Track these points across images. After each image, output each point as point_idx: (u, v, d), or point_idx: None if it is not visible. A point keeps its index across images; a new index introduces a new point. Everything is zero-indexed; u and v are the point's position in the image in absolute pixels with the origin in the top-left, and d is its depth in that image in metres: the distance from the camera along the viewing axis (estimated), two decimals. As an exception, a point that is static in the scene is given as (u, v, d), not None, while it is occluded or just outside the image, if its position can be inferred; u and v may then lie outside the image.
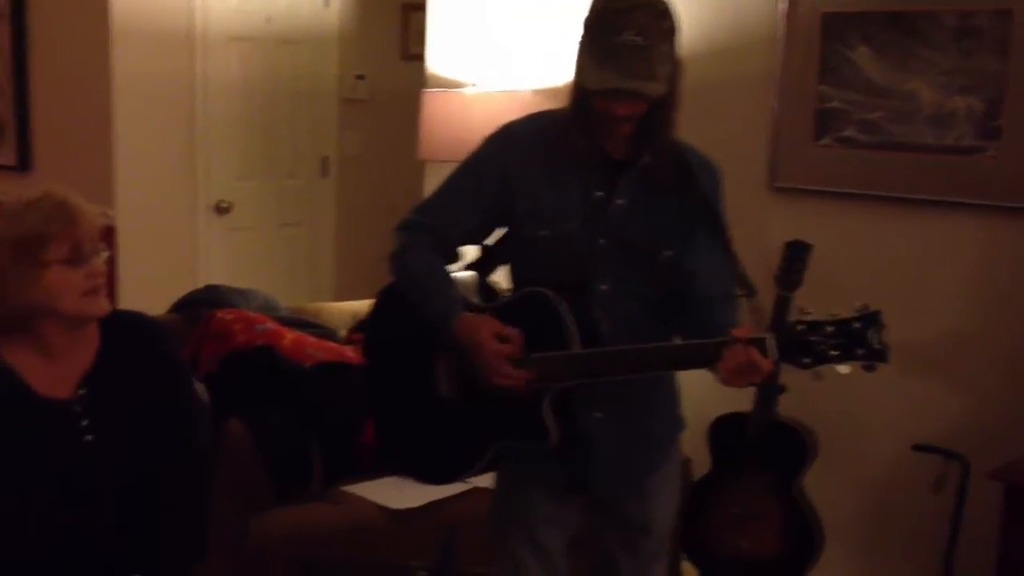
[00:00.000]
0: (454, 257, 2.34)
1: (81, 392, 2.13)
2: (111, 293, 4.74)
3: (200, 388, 2.56)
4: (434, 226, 2.28)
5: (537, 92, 4.00)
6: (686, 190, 2.16)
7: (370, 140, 5.64)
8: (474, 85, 4.14)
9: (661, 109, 2.10)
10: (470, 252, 2.42)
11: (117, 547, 2.17)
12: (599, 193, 2.17)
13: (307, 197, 5.53)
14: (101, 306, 2.11)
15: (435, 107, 4.02)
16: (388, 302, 2.41)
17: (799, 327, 1.95)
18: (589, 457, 2.26)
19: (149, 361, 2.23)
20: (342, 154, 5.56)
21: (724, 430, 3.32)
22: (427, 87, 4.44)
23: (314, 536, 2.93)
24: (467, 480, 3.06)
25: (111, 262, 4.71)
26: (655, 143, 2.14)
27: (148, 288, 4.44)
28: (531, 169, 2.19)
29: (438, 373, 2.30)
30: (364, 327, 2.57)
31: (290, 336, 3.36)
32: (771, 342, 1.96)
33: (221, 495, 2.91)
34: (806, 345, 1.94)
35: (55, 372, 2.12)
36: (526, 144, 2.22)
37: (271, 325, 3.38)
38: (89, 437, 2.12)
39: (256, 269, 5.20)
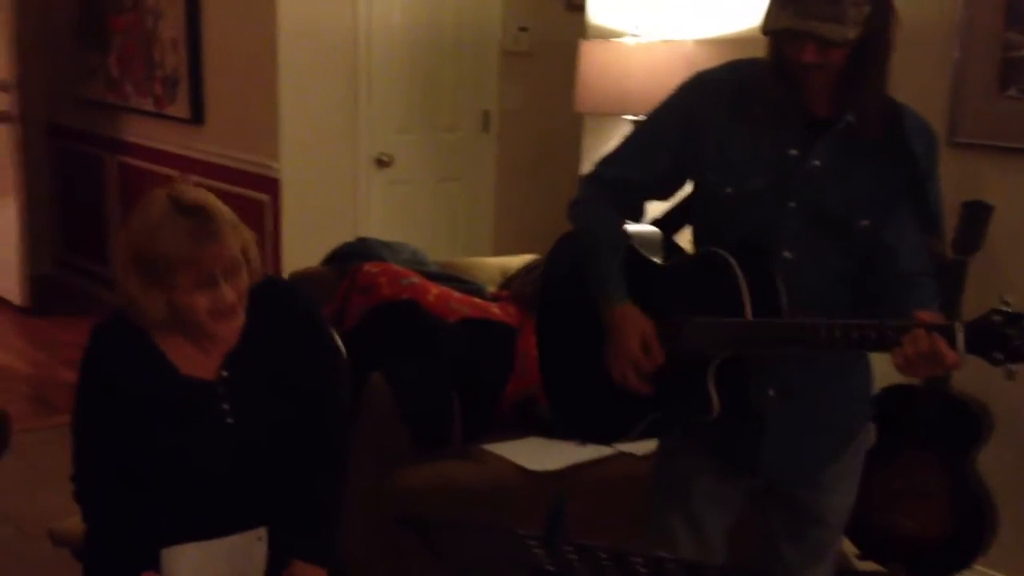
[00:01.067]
0: (637, 213, 2.21)
1: (224, 374, 2.14)
2: (276, 246, 4.86)
3: (338, 344, 2.54)
4: (615, 178, 2.15)
5: (699, 42, 3.84)
6: (894, 155, 1.96)
7: (531, 94, 5.54)
8: (634, 35, 4.00)
9: (863, 59, 1.90)
10: (656, 208, 2.29)
11: (254, 507, 2.19)
12: (793, 151, 1.99)
13: (467, 151, 5.48)
14: (230, 327, 2.08)
15: (593, 58, 3.90)
16: (563, 253, 2.30)
17: (995, 317, 1.73)
18: (758, 437, 2.10)
19: (290, 326, 2.22)
20: (503, 108, 5.48)
21: (890, 401, 3.11)
22: (587, 38, 4.33)
23: (451, 494, 2.89)
24: (615, 446, 2.98)
25: (274, 214, 4.83)
26: (859, 99, 1.93)
27: (309, 240, 4.49)
28: (722, 119, 2.03)
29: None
30: (542, 273, 2.47)
31: (435, 291, 3.32)
32: (960, 333, 1.74)
33: (360, 449, 2.89)
34: (1001, 339, 1.72)
35: (200, 354, 2.14)
36: (719, 92, 2.06)
37: (417, 279, 3.34)
38: (230, 420, 2.14)
39: (415, 223, 5.20)
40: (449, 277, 3.53)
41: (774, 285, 1.97)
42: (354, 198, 5.11)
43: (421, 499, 2.87)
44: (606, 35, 4.20)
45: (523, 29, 5.52)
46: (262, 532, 2.20)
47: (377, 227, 5.03)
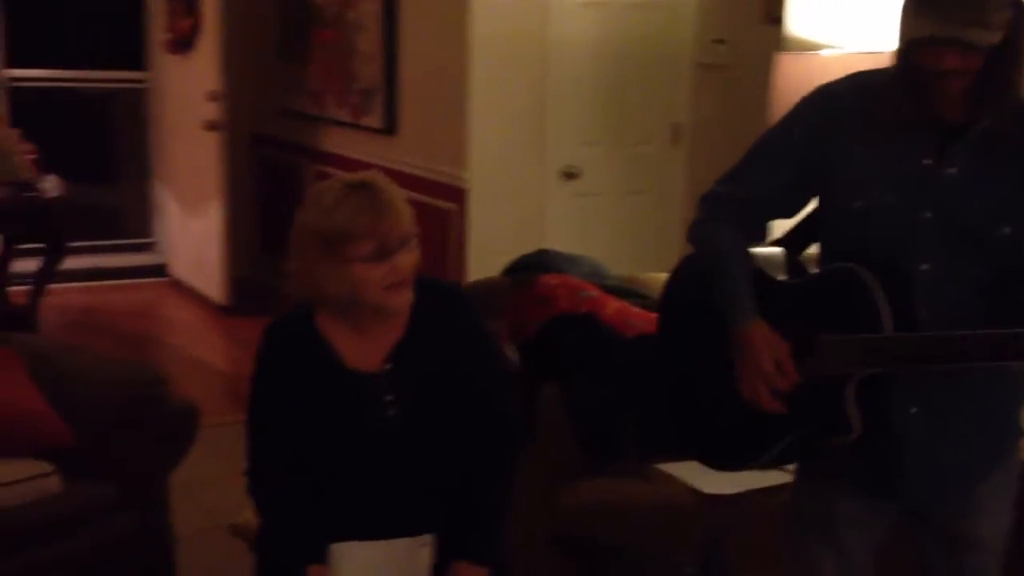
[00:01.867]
0: (760, 233, 2.17)
1: (387, 367, 2.19)
2: (460, 255, 4.92)
3: (510, 352, 2.54)
4: (736, 196, 2.11)
5: (900, 54, 3.67)
6: None
7: (725, 107, 5.43)
8: (833, 48, 3.87)
9: (1001, 62, 1.82)
10: (780, 227, 2.24)
11: (419, 511, 2.22)
12: (926, 161, 1.92)
13: (656, 164, 5.41)
14: (402, 300, 2.15)
15: (789, 71, 3.79)
16: (687, 274, 2.29)
17: None
18: (900, 459, 2.00)
19: (456, 329, 2.25)
20: (694, 121, 5.39)
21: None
22: (785, 51, 4.22)
23: (619, 512, 2.84)
24: (784, 469, 2.87)
25: (461, 224, 4.89)
26: (995, 103, 1.85)
27: (495, 250, 4.50)
28: (848, 132, 1.98)
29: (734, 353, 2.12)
30: (660, 298, 2.43)
31: (614, 305, 3.27)
32: None
33: (531, 461, 2.88)
34: None
35: (365, 347, 2.19)
36: (843, 105, 2.00)
37: (595, 293, 3.30)
38: (392, 412, 2.17)
39: (601, 236, 5.16)
40: (629, 292, 3.48)
41: (911, 299, 1.90)
42: (540, 210, 5.12)
43: (589, 515, 2.83)
44: (805, 48, 4.08)
45: (719, 41, 5.42)
46: (428, 539, 2.22)
47: (562, 239, 5.00)
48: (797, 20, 4.18)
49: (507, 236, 4.86)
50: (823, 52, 3.83)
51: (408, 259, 2.13)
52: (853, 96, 2.00)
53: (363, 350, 2.19)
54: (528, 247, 4.08)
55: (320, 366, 2.18)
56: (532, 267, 3.57)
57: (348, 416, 2.17)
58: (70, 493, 2.78)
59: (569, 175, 5.14)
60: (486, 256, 4.78)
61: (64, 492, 2.76)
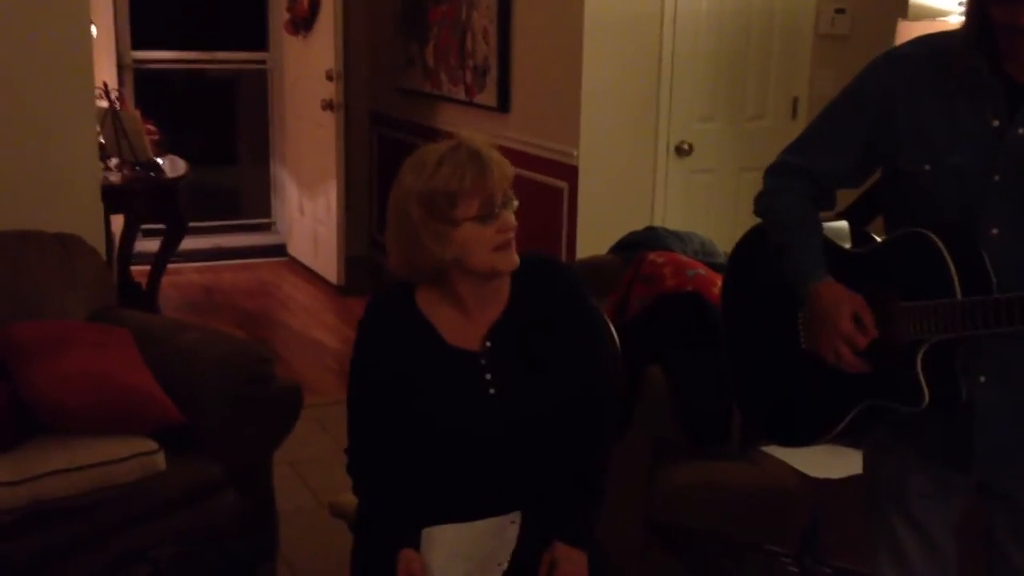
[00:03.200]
0: (827, 202, 2.11)
1: (488, 345, 2.15)
2: (571, 233, 4.86)
3: (610, 330, 2.49)
4: (804, 166, 2.07)
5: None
6: None
7: (844, 79, 5.21)
8: (960, 15, 3.69)
9: None
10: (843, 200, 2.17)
11: (512, 490, 2.18)
12: (995, 122, 1.84)
13: (773, 140, 5.19)
14: (511, 260, 2.11)
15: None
16: (751, 247, 2.24)
17: None
18: (970, 428, 1.92)
19: (557, 305, 2.21)
20: (814, 94, 5.22)
21: None
22: (908, 18, 4.05)
23: (722, 495, 2.77)
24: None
25: (572, 201, 4.83)
26: None
27: (605, 227, 4.44)
28: (917, 94, 1.91)
29: (801, 324, 2.08)
30: (725, 276, 2.37)
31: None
32: None
33: (634, 441, 2.82)
34: None
35: (466, 324, 2.16)
36: (912, 67, 1.93)
37: (703, 271, 3.21)
38: (492, 390, 2.14)
39: (714, 213, 5.04)
40: (739, 270, 3.38)
41: (983, 263, 1.83)
42: (652, 187, 5.02)
43: (691, 497, 2.77)
44: (929, 15, 3.91)
45: (840, 11, 5.24)
46: (516, 516, 2.18)
47: (674, 217, 4.92)
48: (922, -14, 4.00)
49: (617, 214, 4.79)
50: (949, 18, 3.66)
51: (512, 218, 2.10)
52: (921, 59, 1.95)
53: (463, 328, 2.16)
54: (638, 225, 4.01)
55: (421, 343, 2.15)
56: (640, 245, 3.51)
57: (448, 394, 2.14)
58: (175, 471, 2.81)
59: (682, 151, 5.03)
60: (596, 234, 4.71)
61: (169, 470, 2.79)
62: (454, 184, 2.03)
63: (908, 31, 3.66)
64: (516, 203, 2.11)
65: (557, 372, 2.17)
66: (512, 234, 2.09)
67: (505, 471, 2.16)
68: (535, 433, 2.16)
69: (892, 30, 3.94)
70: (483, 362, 2.15)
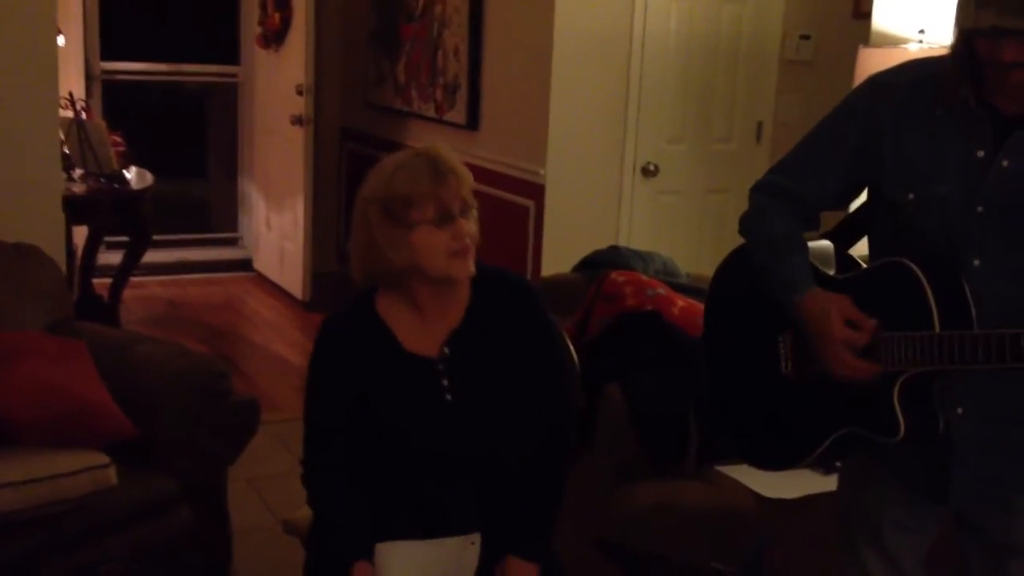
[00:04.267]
0: (812, 223, 2.11)
1: (446, 351, 2.15)
2: (537, 251, 4.87)
3: (568, 346, 2.49)
4: (789, 188, 2.06)
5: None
6: None
7: (810, 104, 5.28)
8: (920, 42, 3.74)
9: None
10: (827, 222, 2.17)
11: (469, 507, 2.18)
12: (980, 153, 1.85)
13: (738, 163, 5.28)
14: (466, 267, 2.11)
15: (872, 66, 3.65)
16: (733, 269, 2.22)
17: None
18: (947, 461, 1.92)
19: (516, 318, 2.22)
20: (778, 119, 5.26)
21: None
22: (871, 45, 4.09)
23: (678, 514, 2.77)
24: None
25: (538, 220, 4.84)
26: None
27: (571, 245, 4.44)
28: (902, 123, 1.92)
29: (782, 349, 2.07)
30: (708, 297, 2.37)
31: (681, 303, 3.19)
32: None
33: (591, 460, 2.83)
34: None
35: (424, 331, 2.17)
36: (897, 95, 1.94)
37: (663, 291, 3.23)
38: (449, 396, 2.14)
39: (679, 234, 5.07)
40: (699, 290, 3.39)
41: (964, 295, 1.83)
42: (618, 207, 5.04)
43: (646, 518, 2.76)
44: (891, 42, 3.95)
45: (805, 37, 5.29)
46: (476, 537, 2.18)
47: (640, 237, 4.93)
48: (884, 14, 4.05)
49: (583, 233, 4.80)
50: (908, 46, 3.70)
51: (471, 227, 2.10)
52: (906, 87, 1.96)
53: (422, 334, 2.16)
54: (604, 244, 4.02)
55: (379, 348, 2.16)
56: (602, 263, 3.52)
57: (404, 400, 2.15)
58: (128, 486, 2.79)
59: (648, 172, 5.05)
60: (562, 252, 4.72)
61: (121, 485, 2.77)
62: (409, 187, 2.05)
63: (870, 58, 3.70)
64: (475, 212, 2.12)
65: (514, 383, 2.18)
66: (469, 242, 2.09)
67: (461, 483, 2.15)
68: (491, 443, 2.16)
69: (854, 57, 3.98)
70: (441, 368, 2.15)
